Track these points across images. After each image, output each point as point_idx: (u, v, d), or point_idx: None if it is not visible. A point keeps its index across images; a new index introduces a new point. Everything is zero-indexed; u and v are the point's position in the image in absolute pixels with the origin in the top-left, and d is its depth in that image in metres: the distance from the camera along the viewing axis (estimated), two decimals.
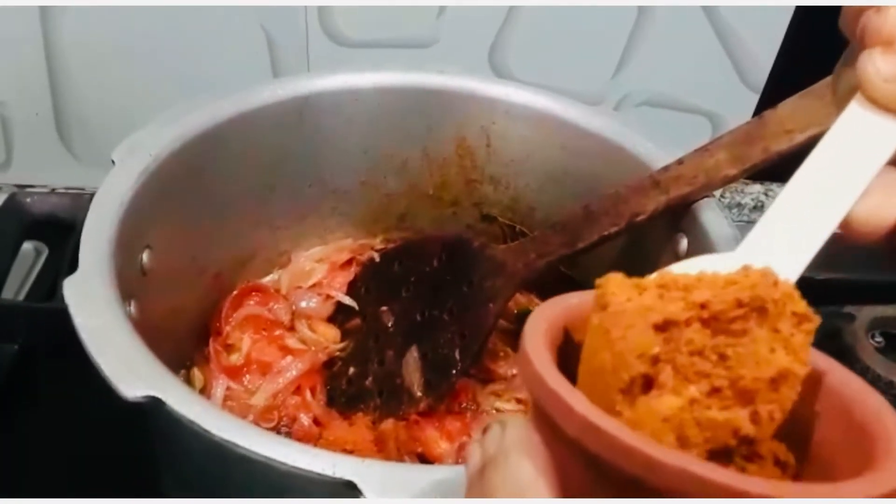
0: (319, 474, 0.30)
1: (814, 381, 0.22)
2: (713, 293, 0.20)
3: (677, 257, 0.46)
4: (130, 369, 0.32)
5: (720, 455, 0.20)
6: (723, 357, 0.20)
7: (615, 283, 0.22)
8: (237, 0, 0.64)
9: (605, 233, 0.46)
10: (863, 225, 0.24)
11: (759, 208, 0.82)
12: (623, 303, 0.21)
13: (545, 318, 0.23)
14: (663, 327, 0.20)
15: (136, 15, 0.64)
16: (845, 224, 0.24)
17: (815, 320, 0.21)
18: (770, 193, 0.82)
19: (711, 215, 0.44)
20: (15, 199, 0.65)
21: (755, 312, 0.20)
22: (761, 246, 0.24)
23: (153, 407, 0.32)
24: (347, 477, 0.30)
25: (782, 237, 0.24)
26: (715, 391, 0.20)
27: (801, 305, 0.21)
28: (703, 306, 0.20)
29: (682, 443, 0.20)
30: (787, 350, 0.20)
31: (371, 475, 0.30)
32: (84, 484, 0.44)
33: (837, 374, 0.23)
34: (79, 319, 0.34)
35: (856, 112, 0.25)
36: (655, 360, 0.20)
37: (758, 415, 0.20)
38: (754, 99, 0.73)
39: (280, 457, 0.30)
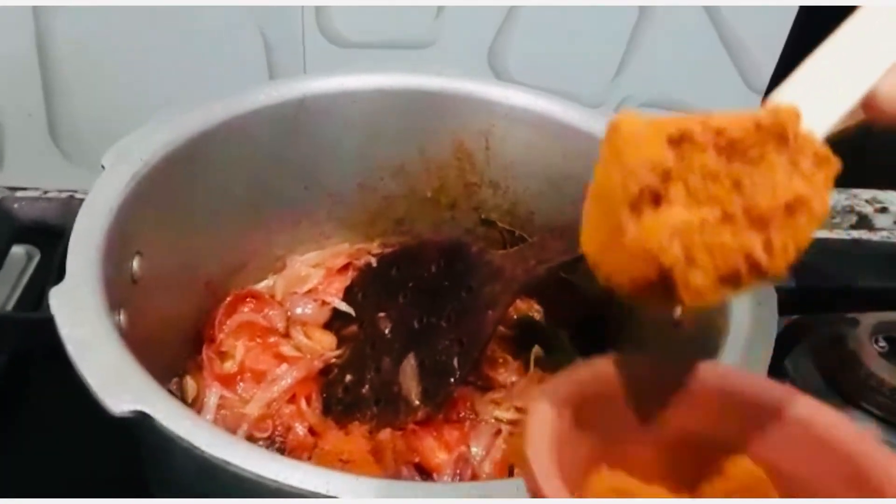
0: (312, 492, 0.29)
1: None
2: (732, 121, 0.20)
3: None
4: (118, 383, 0.31)
5: (729, 282, 0.19)
6: (737, 184, 0.20)
7: (628, 114, 0.21)
8: (232, 0, 0.63)
9: None
10: (887, 101, 0.23)
11: None
12: (636, 125, 0.20)
13: (552, 411, 0.22)
14: (678, 142, 0.19)
15: (130, 15, 0.63)
16: (870, 99, 0.23)
17: (837, 164, 0.21)
18: None
19: None
20: (2, 205, 0.64)
21: (774, 140, 0.20)
22: (798, 100, 0.22)
23: (141, 422, 0.31)
24: (341, 495, 0.29)
25: (810, 95, 0.23)
26: (727, 218, 0.19)
27: (824, 149, 0.20)
28: (719, 133, 0.20)
29: (691, 264, 0.19)
30: (805, 183, 0.20)
31: (365, 493, 0.29)
32: (73, 495, 0.43)
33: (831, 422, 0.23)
34: (65, 330, 0.33)
35: None
36: (667, 176, 0.19)
37: (771, 244, 0.20)
38: (757, 101, 0.72)
39: (271, 474, 0.29)
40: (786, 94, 0.23)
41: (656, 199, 0.19)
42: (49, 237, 0.62)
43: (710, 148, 0.20)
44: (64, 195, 0.70)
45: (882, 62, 0.23)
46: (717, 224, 0.20)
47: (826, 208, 0.20)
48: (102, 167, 0.42)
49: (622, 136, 0.20)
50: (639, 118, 0.21)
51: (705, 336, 0.40)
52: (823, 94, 0.23)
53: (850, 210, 0.82)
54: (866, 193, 0.83)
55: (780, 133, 0.20)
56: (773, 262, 0.20)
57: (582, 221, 0.21)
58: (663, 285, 0.20)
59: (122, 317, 0.38)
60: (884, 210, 0.83)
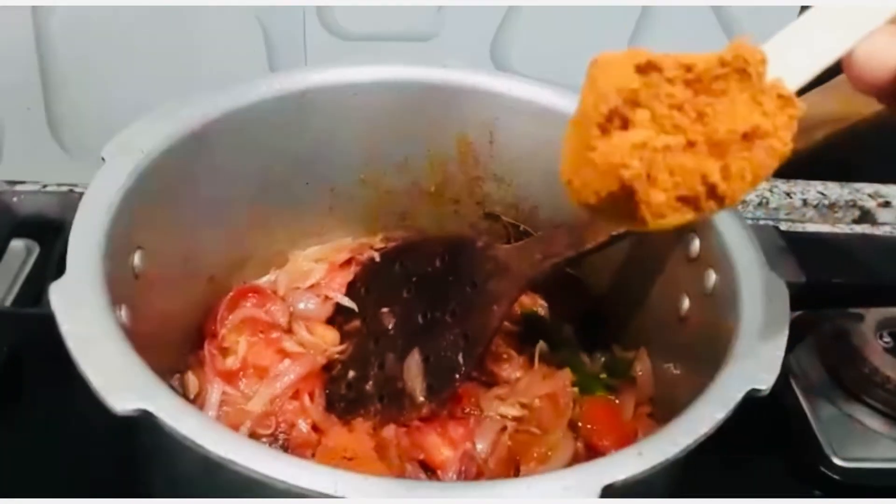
0: (320, 493, 0.28)
1: None
2: (700, 56, 0.22)
3: (688, 259, 0.44)
4: (120, 380, 0.31)
5: (688, 201, 0.22)
6: (701, 115, 0.22)
7: (608, 53, 0.23)
8: None
9: (614, 233, 0.44)
10: (864, 63, 0.24)
11: (763, 205, 0.81)
12: (611, 56, 0.22)
13: None
14: (646, 70, 0.21)
15: (130, 9, 0.63)
16: (849, 62, 0.24)
17: (800, 107, 0.23)
18: (775, 190, 0.81)
19: (725, 215, 0.42)
20: (1, 199, 0.63)
21: (737, 74, 0.22)
22: (775, 56, 0.24)
23: (145, 421, 0.30)
24: (350, 495, 0.28)
25: (790, 51, 0.24)
26: (690, 145, 0.22)
27: (788, 91, 0.23)
28: (689, 69, 0.22)
29: (652, 182, 0.22)
30: (765, 117, 0.22)
31: (375, 493, 0.28)
32: (73, 494, 0.42)
33: None
34: (66, 327, 0.32)
35: None
36: (635, 102, 0.21)
37: (728, 169, 0.22)
38: None
39: (279, 475, 0.28)
40: (768, 48, 0.24)
41: (625, 124, 0.22)
42: (48, 231, 0.62)
43: (678, 81, 0.22)
44: (63, 189, 0.69)
45: (859, 28, 0.24)
46: (679, 149, 0.22)
47: (787, 147, 0.23)
48: (102, 160, 0.41)
49: (598, 65, 0.22)
50: (617, 52, 0.23)
51: (715, 333, 0.39)
52: (801, 51, 0.24)
53: (853, 204, 0.82)
54: (869, 188, 0.83)
55: (742, 69, 0.22)
56: (730, 186, 0.22)
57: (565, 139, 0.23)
58: (626, 201, 0.22)
59: (124, 312, 0.38)
60: (887, 204, 0.82)
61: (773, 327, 0.36)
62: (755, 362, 0.34)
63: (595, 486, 0.29)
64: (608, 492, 0.29)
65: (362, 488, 0.28)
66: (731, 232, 0.42)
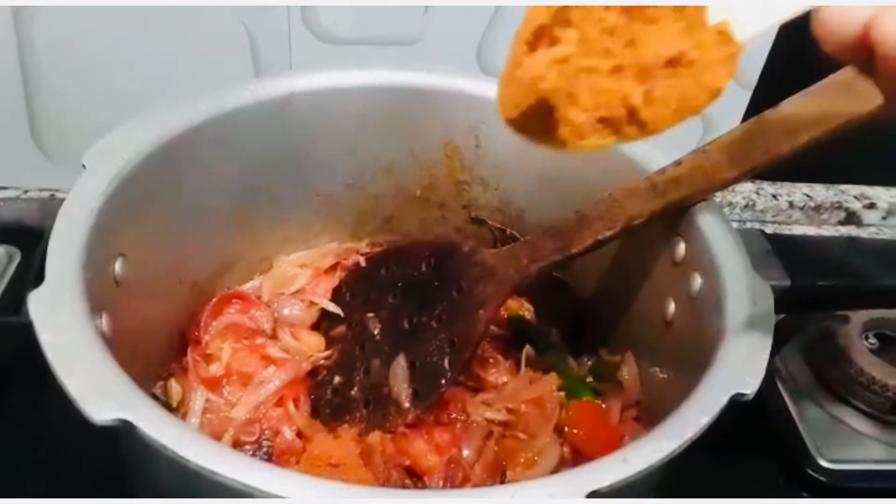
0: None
1: None
2: None
3: (674, 263, 0.44)
4: (100, 390, 0.30)
5: (609, 123, 0.22)
6: (632, 41, 0.22)
7: None
8: None
9: (600, 237, 0.44)
10: (828, 22, 0.24)
11: (749, 207, 0.81)
12: None
13: None
14: None
15: (112, 12, 0.62)
16: (816, 20, 0.24)
17: (739, 45, 0.22)
18: (761, 192, 0.81)
19: (711, 219, 0.42)
20: None
21: (671, 7, 0.22)
22: (732, 3, 0.24)
23: (124, 430, 0.30)
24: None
25: (749, 4, 0.24)
26: (617, 69, 0.22)
27: (729, 28, 0.22)
28: None
29: (573, 101, 0.22)
30: (700, 52, 0.22)
31: (358, 502, 0.28)
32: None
33: None
34: (44, 336, 0.32)
35: None
36: (566, 21, 0.22)
37: (651, 94, 0.22)
38: (746, 97, 0.72)
39: (260, 484, 0.28)
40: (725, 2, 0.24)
41: (553, 42, 0.22)
42: (28, 238, 0.61)
43: (613, 7, 0.22)
44: (44, 195, 0.69)
45: None
46: (605, 72, 0.22)
47: (720, 83, 0.22)
48: (83, 166, 0.41)
49: None
50: None
51: (700, 336, 0.39)
52: (754, 5, 0.24)
53: (839, 206, 0.82)
54: (854, 189, 0.83)
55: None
56: (651, 111, 0.22)
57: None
58: (547, 118, 0.22)
59: (105, 320, 0.37)
60: (872, 206, 0.83)
61: (757, 331, 0.36)
62: (740, 366, 0.34)
63: (580, 492, 0.28)
64: (593, 497, 0.29)
65: (346, 497, 0.28)
66: (717, 235, 0.42)
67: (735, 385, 0.33)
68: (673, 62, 0.22)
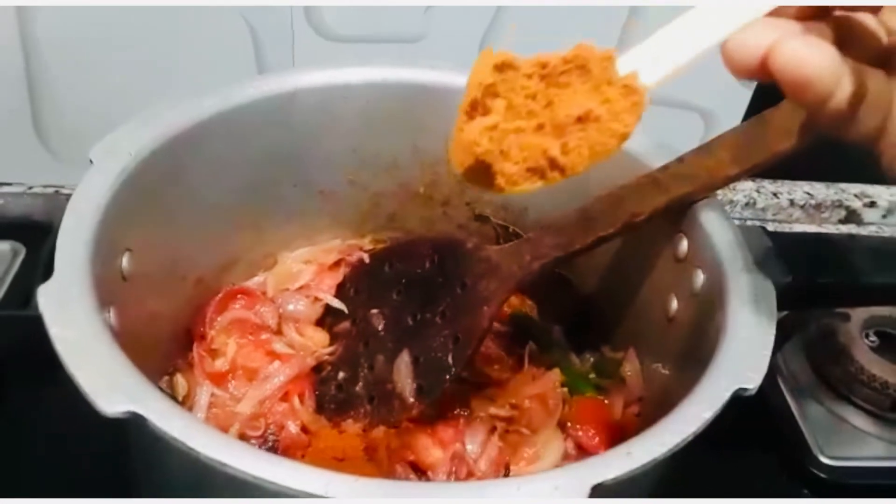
0: (311, 494, 0.28)
1: None
2: (553, 55, 0.27)
3: (676, 259, 0.45)
4: (110, 383, 0.31)
5: (536, 171, 0.27)
6: (550, 103, 0.27)
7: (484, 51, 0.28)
8: None
9: (602, 234, 0.44)
10: (732, 53, 0.27)
11: (750, 205, 0.81)
12: (481, 56, 0.28)
13: None
14: (501, 68, 0.27)
15: (116, 10, 0.62)
16: (722, 52, 0.27)
17: (642, 92, 0.27)
18: (762, 190, 0.82)
19: (713, 215, 0.43)
20: None
21: (578, 69, 0.27)
22: (642, 52, 0.28)
23: (134, 423, 0.30)
24: (341, 496, 0.28)
25: (658, 49, 0.28)
26: (540, 127, 0.27)
27: (634, 81, 0.27)
28: (543, 66, 0.27)
29: (505, 157, 0.27)
30: (606, 108, 0.27)
31: (363, 494, 0.28)
32: (61, 497, 0.42)
33: None
34: (54, 330, 0.32)
35: None
36: (494, 93, 0.27)
37: (567, 146, 0.27)
38: (747, 95, 0.72)
39: (270, 476, 0.28)
40: (636, 52, 0.28)
41: (486, 111, 0.27)
42: (34, 233, 0.61)
43: (534, 75, 0.27)
44: (49, 191, 0.69)
45: (728, 24, 0.27)
46: (531, 130, 0.27)
47: (628, 129, 0.27)
48: (90, 161, 0.41)
49: (473, 67, 0.28)
50: (485, 53, 0.28)
51: (703, 333, 0.39)
52: (662, 50, 0.28)
53: (839, 205, 0.83)
54: (854, 188, 0.83)
55: (583, 65, 0.27)
56: (568, 159, 0.27)
57: None
58: (486, 171, 0.28)
59: (112, 315, 0.38)
60: (872, 204, 0.83)
61: (760, 327, 0.36)
62: (742, 362, 0.35)
63: (584, 485, 0.29)
64: (598, 491, 0.29)
65: (352, 489, 0.28)
66: (719, 233, 0.42)
67: (738, 380, 0.34)
68: (582, 119, 0.27)
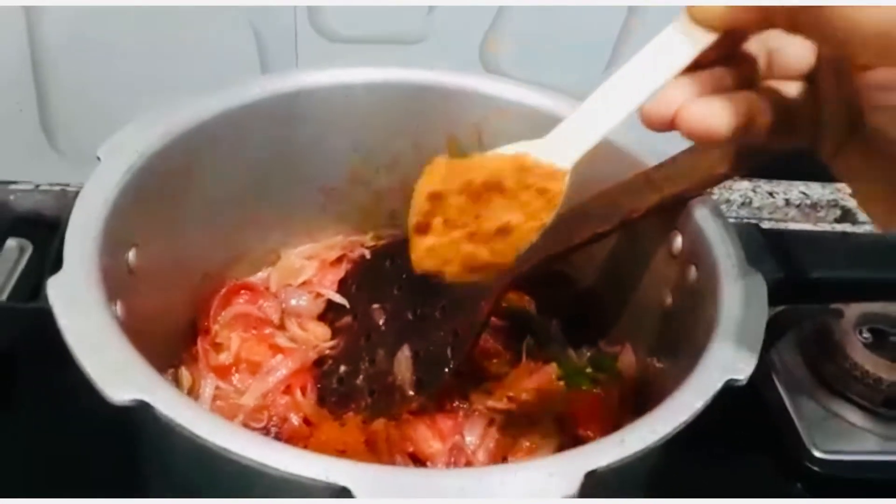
0: (313, 479, 0.29)
1: None
2: (479, 174, 0.32)
3: (672, 255, 0.46)
4: (118, 372, 0.32)
5: (474, 268, 0.33)
6: (478, 216, 0.32)
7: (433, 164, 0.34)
8: None
9: (598, 230, 0.45)
10: (647, 115, 0.31)
11: (746, 204, 0.82)
12: (421, 183, 0.33)
13: None
14: (434, 196, 0.32)
15: (123, 11, 0.63)
16: (640, 114, 0.31)
17: (556, 190, 0.32)
18: (758, 190, 0.82)
19: (707, 213, 0.44)
20: None
21: (496, 188, 0.32)
22: (555, 137, 0.33)
23: (141, 411, 0.31)
24: (341, 482, 0.29)
25: (572, 131, 0.32)
26: (472, 235, 0.32)
27: (548, 178, 0.32)
28: (469, 184, 0.32)
29: (445, 264, 0.33)
30: (523, 212, 0.32)
31: (364, 480, 0.29)
32: (68, 491, 0.43)
33: None
34: (64, 321, 0.33)
35: (666, 32, 0.31)
36: (431, 214, 0.32)
37: (495, 248, 0.33)
38: None
39: (272, 462, 0.29)
40: (554, 136, 0.33)
41: (428, 227, 0.33)
42: (43, 229, 0.62)
43: (462, 193, 0.32)
44: (57, 188, 0.70)
45: (627, 105, 0.31)
46: (464, 240, 0.32)
47: (545, 221, 0.33)
48: (98, 159, 0.42)
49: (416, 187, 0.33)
50: (433, 172, 0.33)
51: (696, 326, 0.40)
52: (570, 137, 0.32)
53: (835, 204, 0.83)
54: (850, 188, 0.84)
55: (498, 182, 0.32)
56: (497, 257, 0.33)
57: None
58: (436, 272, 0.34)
59: (119, 308, 0.39)
60: None
61: (751, 320, 0.37)
62: (733, 353, 0.35)
63: (579, 471, 0.30)
64: (591, 477, 0.30)
65: (350, 474, 0.29)
66: (713, 229, 0.43)
67: (729, 371, 0.34)
68: (502, 229, 0.32)
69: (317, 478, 0.29)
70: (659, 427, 0.32)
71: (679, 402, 0.33)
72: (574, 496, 0.29)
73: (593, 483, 0.30)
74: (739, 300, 0.38)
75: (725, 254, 0.41)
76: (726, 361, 0.35)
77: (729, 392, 0.35)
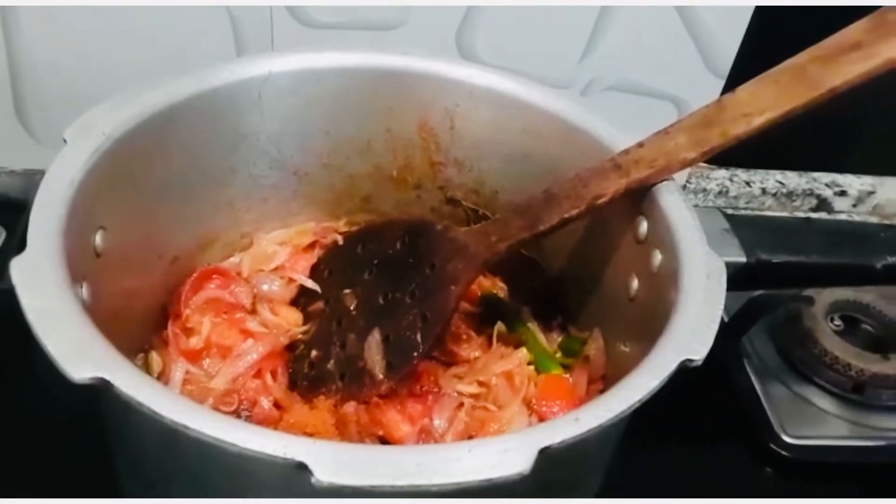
0: (271, 455, 0.30)
1: None
2: None
3: (638, 241, 0.46)
4: (78, 351, 0.32)
5: None
6: None
7: None
8: None
9: (566, 215, 0.46)
10: None
11: (723, 193, 0.83)
12: None
13: None
14: None
15: None
16: None
17: None
18: (735, 179, 0.83)
19: (671, 198, 0.44)
20: None
21: None
22: None
23: (102, 389, 0.31)
24: (299, 458, 0.29)
25: None
26: None
27: None
28: None
29: None
30: None
31: (323, 456, 0.30)
32: (35, 470, 0.43)
33: None
34: (25, 300, 0.33)
35: None
36: None
37: None
38: (719, 85, 0.73)
39: (231, 438, 0.30)
40: None
41: None
42: (13, 213, 0.62)
43: None
44: (28, 171, 0.69)
45: None
46: None
47: None
48: (64, 140, 0.42)
49: None
50: None
51: (659, 309, 0.41)
52: None
53: (810, 193, 0.84)
54: (826, 177, 0.85)
55: None
56: None
57: None
58: None
59: (85, 290, 0.39)
60: (843, 193, 0.85)
61: (708, 303, 0.38)
62: (690, 335, 0.36)
63: (532, 448, 0.30)
64: (545, 454, 0.30)
65: (309, 450, 0.29)
66: (676, 214, 0.43)
67: (684, 352, 0.35)
68: None
69: (275, 454, 0.30)
70: (614, 406, 0.32)
71: (635, 382, 0.34)
72: (528, 472, 0.29)
73: (548, 459, 0.30)
74: (699, 283, 0.39)
75: (688, 238, 0.42)
76: (682, 343, 0.36)
77: (691, 373, 0.35)
